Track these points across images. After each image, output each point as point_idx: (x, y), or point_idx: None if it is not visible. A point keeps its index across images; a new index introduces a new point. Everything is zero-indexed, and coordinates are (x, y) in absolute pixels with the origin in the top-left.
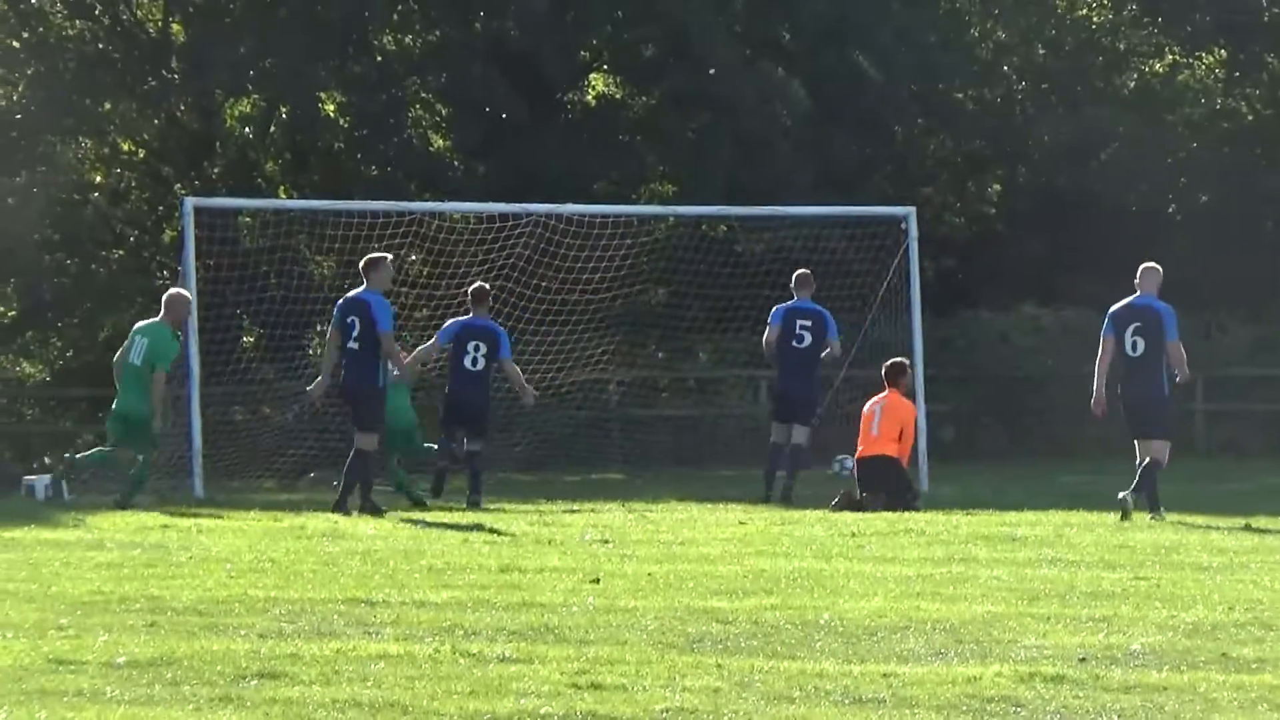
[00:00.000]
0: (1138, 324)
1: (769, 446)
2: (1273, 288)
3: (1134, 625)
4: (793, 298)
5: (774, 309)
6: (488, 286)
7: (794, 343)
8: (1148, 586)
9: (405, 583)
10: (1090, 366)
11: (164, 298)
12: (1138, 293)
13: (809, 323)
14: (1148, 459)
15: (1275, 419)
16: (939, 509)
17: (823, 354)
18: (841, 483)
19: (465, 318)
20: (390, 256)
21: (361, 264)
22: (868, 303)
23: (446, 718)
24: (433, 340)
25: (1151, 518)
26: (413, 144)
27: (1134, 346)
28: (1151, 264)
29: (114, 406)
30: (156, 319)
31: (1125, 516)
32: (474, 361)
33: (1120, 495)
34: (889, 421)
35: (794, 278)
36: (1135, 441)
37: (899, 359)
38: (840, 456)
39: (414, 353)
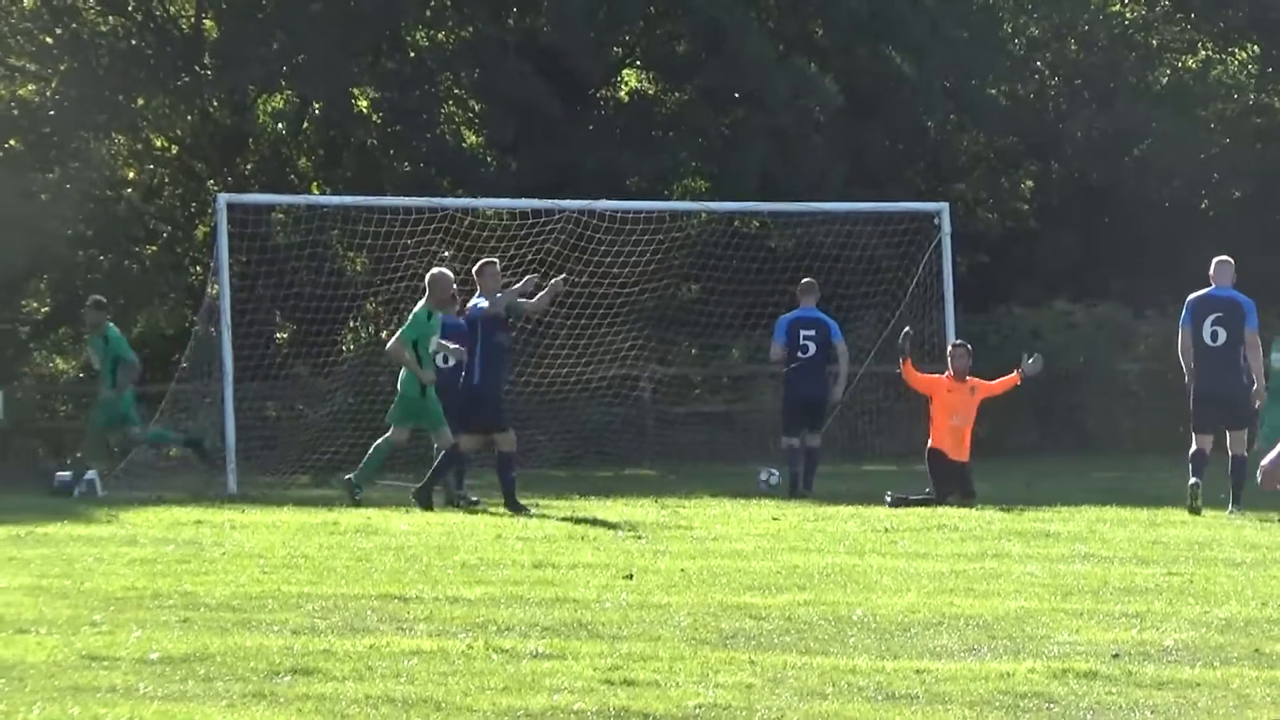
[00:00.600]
0: (1219, 314)
1: (785, 452)
2: None
3: (1167, 621)
4: (798, 304)
5: (778, 320)
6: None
7: (800, 353)
8: (1181, 582)
9: (438, 579)
10: (1124, 365)
11: (426, 278)
12: (1212, 285)
13: (812, 332)
14: (1234, 454)
15: None
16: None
17: (832, 362)
18: (767, 494)
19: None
20: (495, 261)
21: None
22: (898, 299)
23: (479, 714)
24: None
25: (1231, 513)
26: (445, 140)
27: (1214, 336)
28: (1224, 256)
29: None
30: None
31: (1195, 508)
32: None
33: (1229, 512)
34: None
35: (799, 285)
36: (1197, 433)
37: (957, 341)
38: (766, 471)
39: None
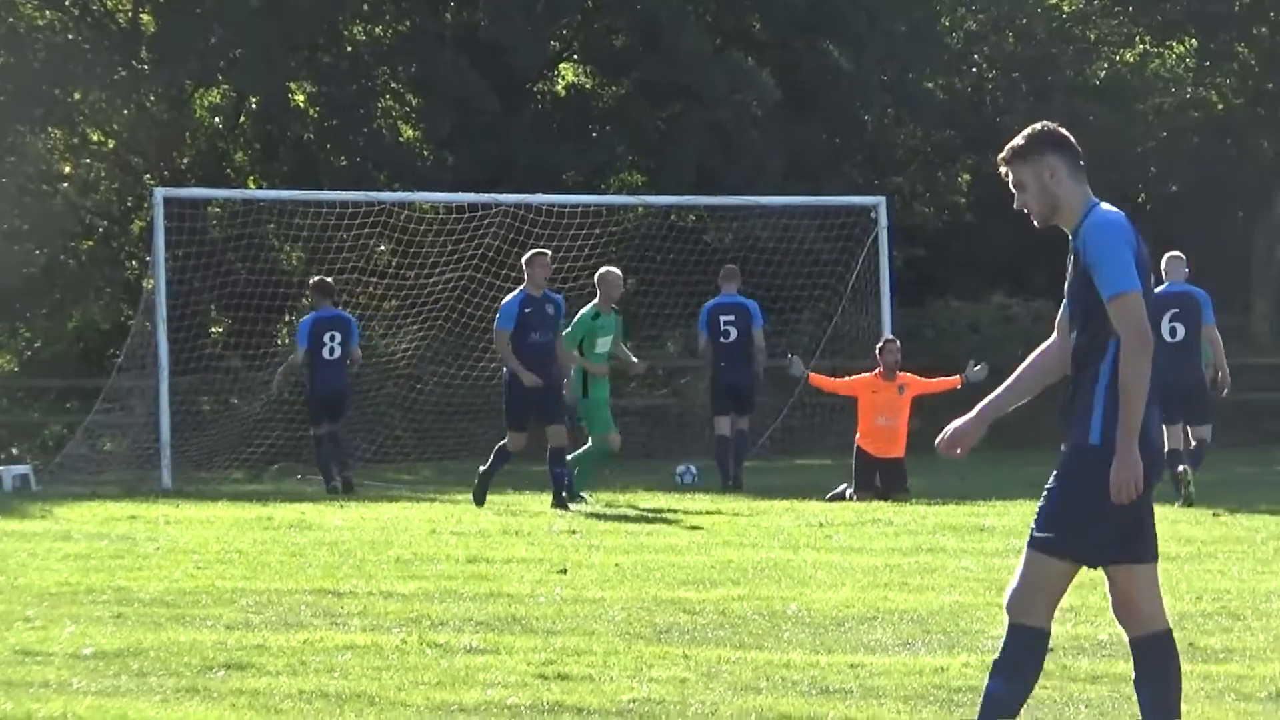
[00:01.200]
0: (1175, 310)
1: (714, 440)
2: (1242, 278)
3: (1101, 615)
4: (719, 291)
5: (703, 309)
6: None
7: (721, 339)
8: None
9: (373, 574)
10: None
11: (596, 277)
12: (1166, 280)
13: (731, 317)
14: (1195, 442)
15: (1243, 409)
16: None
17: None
18: (684, 489)
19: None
20: (547, 253)
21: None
22: (837, 292)
23: (413, 709)
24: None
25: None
26: (382, 134)
27: (1172, 332)
28: (1176, 252)
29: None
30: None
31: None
32: (331, 351)
33: (1181, 469)
34: None
35: (720, 271)
36: (1166, 427)
37: (888, 337)
38: (683, 467)
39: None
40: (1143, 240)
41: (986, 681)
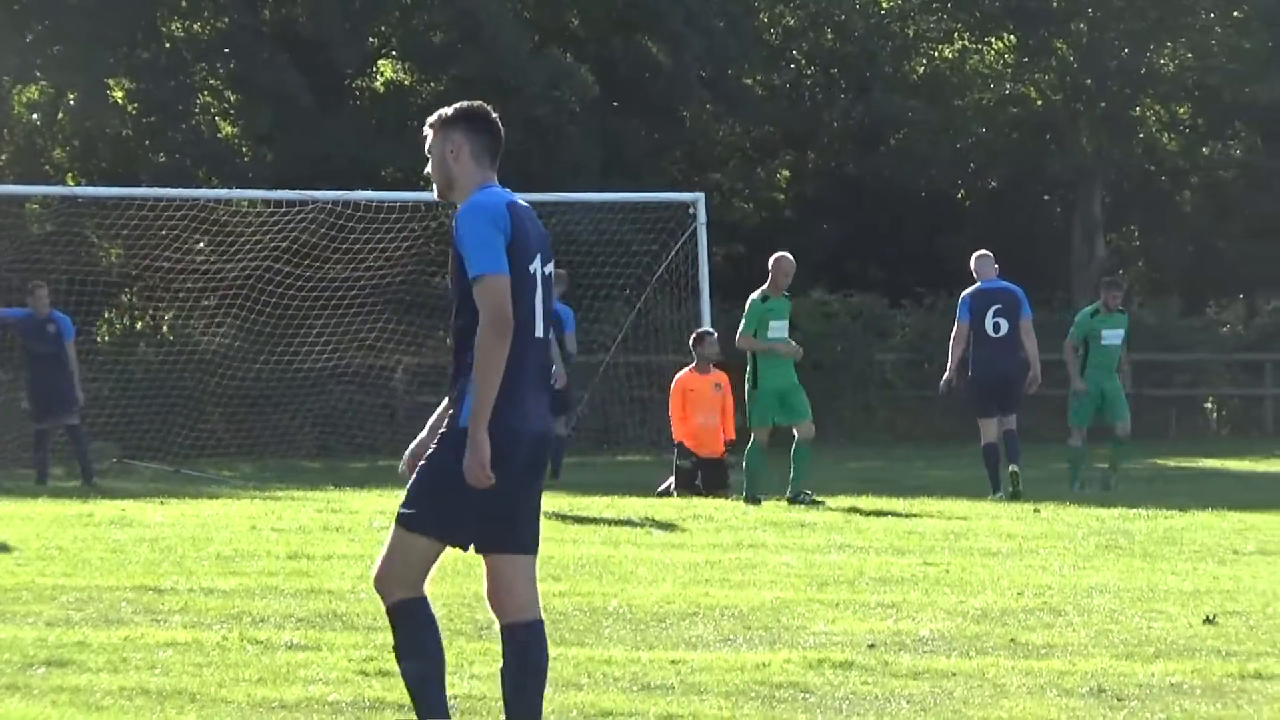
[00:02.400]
0: (998, 305)
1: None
2: (1062, 273)
3: (923, 611)
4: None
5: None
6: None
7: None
8: (936, 572)
9: (193, 570)
10: (881, 354)
11: (770, 263)
12: (978, 279)
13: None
14: (1009, 429)
15: (1063, 402)
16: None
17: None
18: None
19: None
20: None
21: None
22: (652, 286)
23: (234, 705)
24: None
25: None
26: (201, 131)
27: (996, 328)
28: (984, 251)
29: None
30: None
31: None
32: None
33: (1012, 469)
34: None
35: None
36: (985, 419)
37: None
38: None
39: None
40: (536, 224)
41: (401, 671)
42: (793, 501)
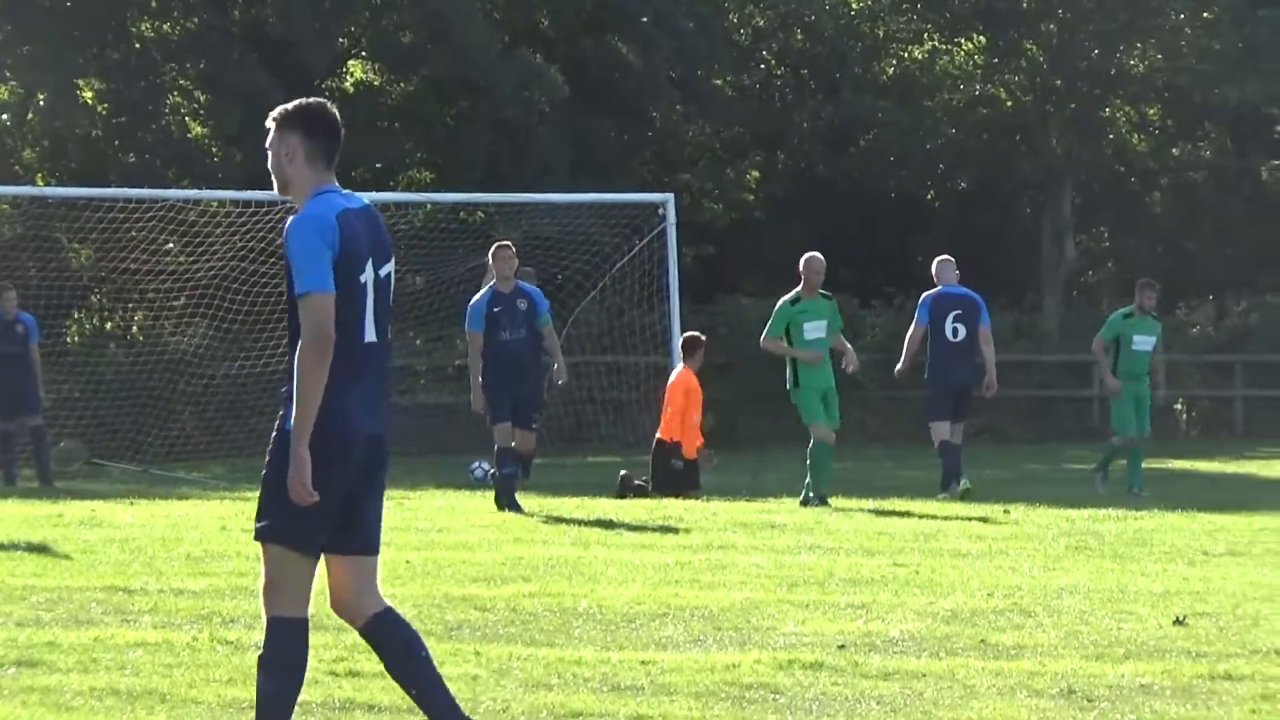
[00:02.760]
0: (958, 311)
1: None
2: (1032, 275)
3: (893, 612)
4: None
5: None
6: None
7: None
8: (906, 573)
9: (163, 571)
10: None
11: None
12: (939, 284)
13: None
14: (957, 438)
15: (1035, 403)
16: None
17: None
18: (474, 485)
19: None
20: (510, 245)
21: None
22: (623, 287)
23: (205, 706)
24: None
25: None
26: (170, 131)
27: (954, 333)
28: (946, 256)
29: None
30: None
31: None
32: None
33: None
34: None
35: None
36: (938, 421)
37: (692, 334)
38: (475, 463)
39: None
40: (373, 228)
41: (258, 681)
42: (805, 504)
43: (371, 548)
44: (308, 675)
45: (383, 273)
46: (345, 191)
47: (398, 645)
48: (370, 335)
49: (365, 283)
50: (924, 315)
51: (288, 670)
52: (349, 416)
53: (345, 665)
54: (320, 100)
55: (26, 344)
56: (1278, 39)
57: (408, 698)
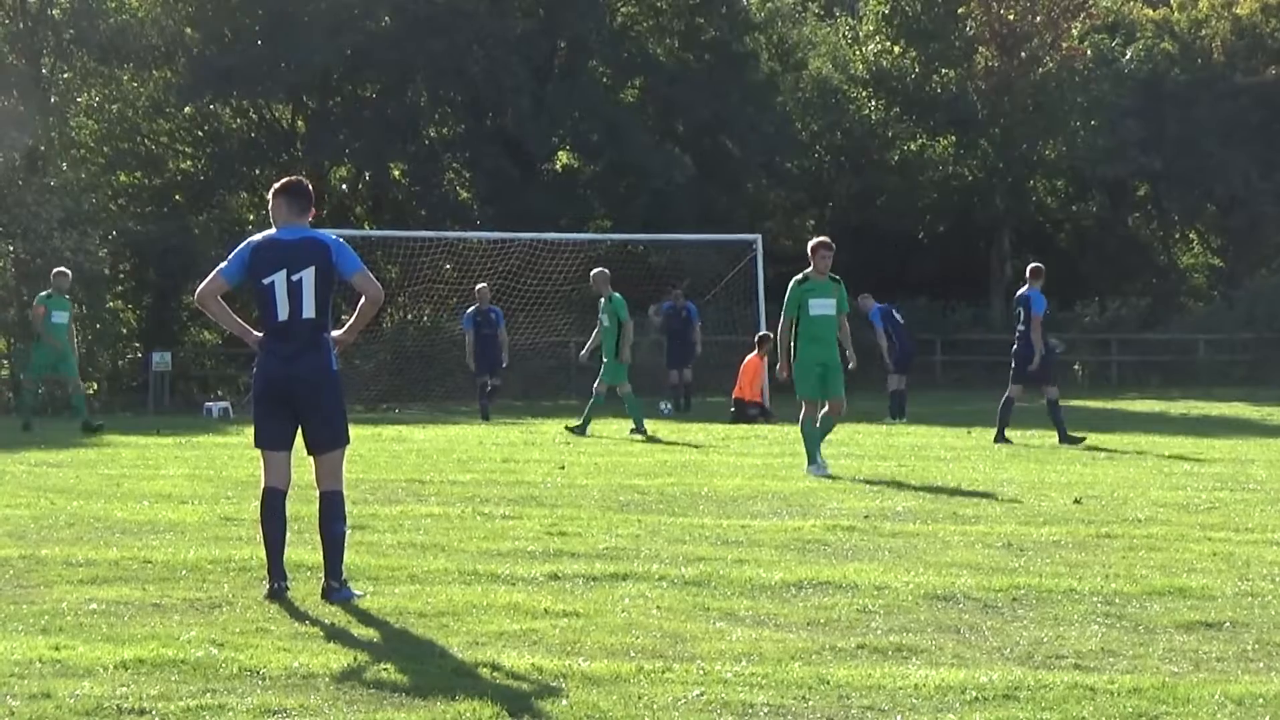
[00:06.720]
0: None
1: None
2: (984, 286)
3: (898, 494)
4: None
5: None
6: None
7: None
8: (906, 471)
9: (443, 468)
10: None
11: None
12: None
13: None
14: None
15: (990, 366)
16: (780, 423)
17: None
18: (663, 418)
19: None
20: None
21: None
22: (719, 298)
23: (469, 554)
24: None
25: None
26: (446, 195)
27: (1019, 318)
28: (1036, 264)
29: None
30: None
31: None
32: None
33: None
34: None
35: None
36: (1017, 386)
37: (764, 333)
38: (663, 403)
39: None
40: (289, 252)
41: (262, 529)
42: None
43: (313, 449)
44: (532, 534)
45: (295, 278)
46: (299, 227)
47: (330, 513)
48: (281, 316)
49: (270, 284)
50: (1039, 306)
51: (273, 521)
52: (265, 363)
53: (557, 529)
54: (290, 179)
55: (496, 327)
56: (1137, 138)
57: (595, 549)
